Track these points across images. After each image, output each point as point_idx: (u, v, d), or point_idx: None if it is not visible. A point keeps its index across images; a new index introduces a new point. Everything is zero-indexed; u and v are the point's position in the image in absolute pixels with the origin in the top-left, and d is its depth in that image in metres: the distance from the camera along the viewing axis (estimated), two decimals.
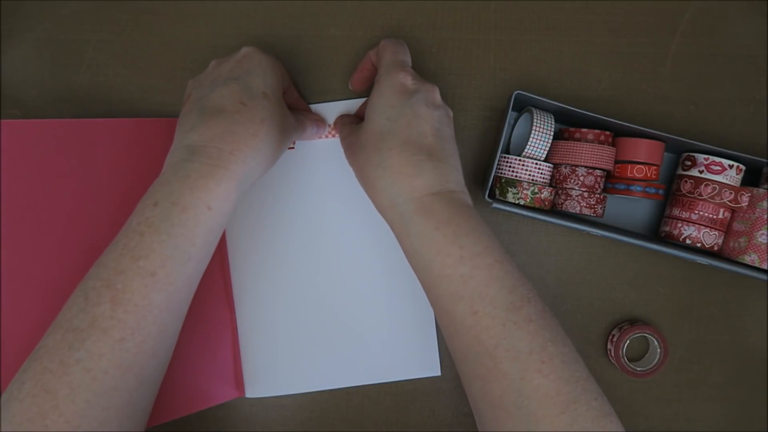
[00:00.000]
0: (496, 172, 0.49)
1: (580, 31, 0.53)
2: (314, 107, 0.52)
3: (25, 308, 0.42)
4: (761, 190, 0.47)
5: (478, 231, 0.38)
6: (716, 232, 0.48)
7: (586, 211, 0.48)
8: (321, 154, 0.51)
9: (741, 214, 0.48)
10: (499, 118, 0.53)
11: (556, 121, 0.49)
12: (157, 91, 0.52)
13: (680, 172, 0.50)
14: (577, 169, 0.48)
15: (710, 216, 0.48)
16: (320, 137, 0.51)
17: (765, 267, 0.47)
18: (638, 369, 0.51)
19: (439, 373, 0.51)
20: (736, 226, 0.49)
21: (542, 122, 0.47)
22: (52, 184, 0.43)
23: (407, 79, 0.41)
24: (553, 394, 0.33)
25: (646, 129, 0.47)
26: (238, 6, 0.52)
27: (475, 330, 0.36)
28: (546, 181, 0.49)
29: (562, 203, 0.49)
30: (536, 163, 0.48)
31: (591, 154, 0.47)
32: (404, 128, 0.39)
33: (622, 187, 0.49)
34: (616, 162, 0.49)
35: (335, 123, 0.51)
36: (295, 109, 0.50)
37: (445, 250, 0.37)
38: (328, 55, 0.52)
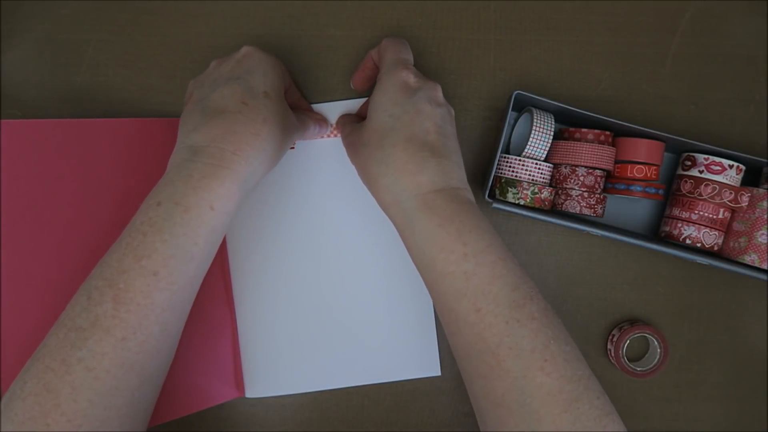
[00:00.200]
0: (496, 172, 0.49)
1: (580, 31, 0.53)
2: (315, 107, 0.52)
3: (25, 308, 0.42)
4: (761, 190, 0.47)
5: (481, 228, 0.38)
6: (716, 232, 0.48)
7: (586, 211, 0.48)
8: (322, 154, 0.51)
9: (741, 214, 0.48)
10: (499, 118, 0.53)
11: (556, 121, 0.49)
12: (157, 91, 0.52)
13: (680, 172, 0.50)
14: (577, 169, 0.48)
15: (710, 216, 0.48)
16: (322, 137, 0.51)
17: (765, 267, 0.47)
18: (638, 369, 0.51)
19: (439, 373, 0.51)
20: (736, 226, 0.49)
21: (542, 122, 0.47)
22: (52, 184, 0.43)
23: (410, 77, 0.41)
24: (556, 392, 0.33)
25: (646, 129, 0.47)
26: (238, 6, 0.52)
27: (478, 327, 0.36)
28: (546, 181, 0.49)
29: (562, 203, 0.49)
30: (536, 163, 0.48)
31: (591, 154, 0.47)
32: (407, 125, 0.40)
33: (622, 187, 0.49)
34: (616, 162, 0.49)
35: (337, 122, 0.51)
36: (296, 108, 0.50)
37: (448, 247, 0.37)
38: (328, 55, 0.52)
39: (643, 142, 0.48)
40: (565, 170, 0.49)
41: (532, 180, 0.48)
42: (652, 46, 0.53)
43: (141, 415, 0.37)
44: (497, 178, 0.49)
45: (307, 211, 0.51)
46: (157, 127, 0.49)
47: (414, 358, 0.51)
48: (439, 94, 0.42)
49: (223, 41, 0.52)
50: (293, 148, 0.51)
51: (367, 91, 0.52)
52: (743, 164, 0.48)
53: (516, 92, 0.47)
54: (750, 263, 0.47)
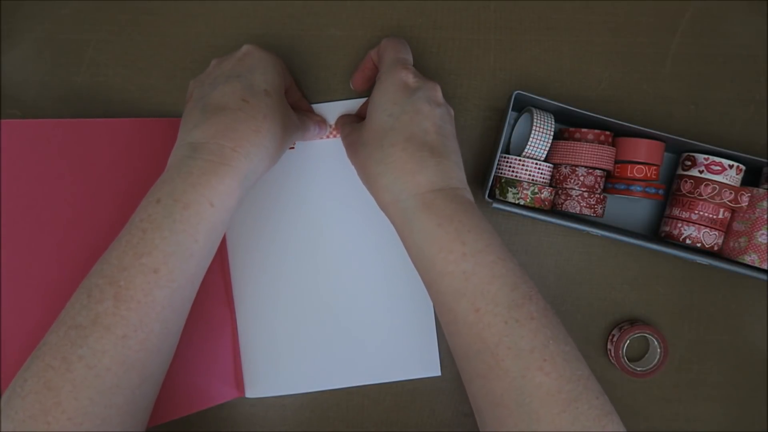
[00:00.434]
0: (496, 172, 0.49)
1: (580, 31, 0.53)
2: (315, 107, 0.52)
3: (25, 308, 0.42)
4: (761, 190, 0.47)
5: (480, 228, 0.38)
6: (716, 232, 0.48)
7: (586, 211, 0.48)
8: (321, 154, 0.51)
9: (741, 214, 0.48)
10: (499, 118, 0.53)
11: (556, 121, 0.49)
12: (157, 91, 0.52)
13: (680, 172, 0.50)
14: (577, 169, 0.48)
15: (710, 216, 0.48)
16: (321, 137, 0.51)
17: (765, 267, 0.47)
18: (638, 369, 0.51)
19: (439, 373, 0.51)
20: (736, 226, 0.49)
21: (542, 122, 0.47)
22: (52, 184, 0.43)
23: (409, 77, 0.41)
24: (555, 392, 0.33)
25: (646, 129, 0.47)
26: (238, 6, 0.52)
27: (477, 327, 0.36)
28: (546, 181, 0.49)
29: (562, 203, 0.49)
30: (536, 163, 0.48)
31: (591, 154, 0.47)
32: (407, 125, 0.40)
33: (622, 187, 0.49)
34: (616, 162, 0.49)
35: (336, 122, 0.51)
36: (297, 108, 0.50)
37: (447, 247, 0.37)
38: (328, 55, 0.52)
39: (643, 142, 0.48)
40: (565, 170, 0.49)
41: (532, 180, 0.48)
42: (652, 46, 0.53)
43: (141, 413, 0.37)
44: (497, 178, 0.49)
45: (307, 211, 0.51)
46: (157, 127, 0.49)
47: (414, 358, 0.51)
48: (439, 94, 0.42)
49: (223, 41, 0.52)
50: (293, 148, 0.51)
51: (367, 91, 0.52)
52: (743, 164, 0.48)
53: (516, 92, 0.47)
54: (750, 263, 0.47)
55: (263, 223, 0.51)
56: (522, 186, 0.48)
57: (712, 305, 0.53)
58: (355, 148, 0.43)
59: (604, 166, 0.48)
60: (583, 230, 0.48)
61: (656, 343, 0.51)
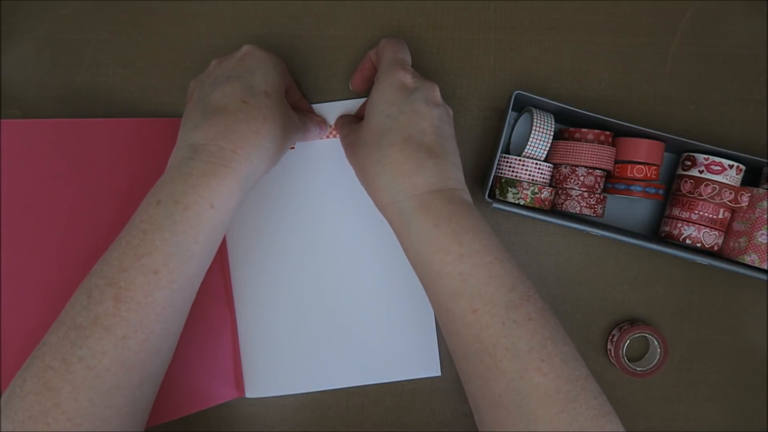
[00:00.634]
0: (496, 172, 0.49)
1: (580, 31, 0.53)
2: (315, 107, 0.52)
3: (25, 308, 0.42)
4: (761, 190, 0.47)
5: (477, 229, 0.38)
6: (716, 232, 0.48)
7: (586, 211, 0.48)
8: (321, 154, 0.51)
9: (741, 214, 0.48)
10: (499, 118, 0.53)
11: (556, 121, 0.49)
12: (157, 91, 0.52)
13: (680, 172, 0.50)
14: (577, 169, 0.48)
15: (710, 216, 0.48)
16: (322, 138, 0.51)
17: (765, 267, 0.47)
18: (638, 369, 0.51)
19: (439, 373, 0.51)
20: (736, 226, 0.48)
21: (542, 122, 0.47)
22: (52, 184, 0.43)
23: (407, 77, 0.41)
24: (553, 392, 0.33)
25: (646, 129, 0.47)
26: (238, 6, 0.52)
27: (474, 328, 0.36)
28: (546, 181, 0.49)
29: (562, 203, 0.49)
30: (536, 163, 0.48)
31: (591, 154, 0.47)
32: (404, 125, 0.39)
33: (622, 187, 0.49)
34: (616, 162, 0.49)
35: (336, 123, 0.51)
36: (297, 109, 0.50)
37: (444, 248, 0.37)
38: (328, 55, 0.52)
39: (643, 142, 0.48)
40: (565, 170, 0.49)
41: (532, 180, 0.48)
42: (652, 46, 0.53)
43: (140, 413, 0.37)
44: (497, 178, 0.49)
45: (307, 211, 0.51)
46: (157, 127, 0.49)
47: (414, 358, 0.51)
48: (437, 94, 0.42)
49: (223, 41, 0.52)
50: (293, 148, 0.51)
51: (366, 91, 0.52)
52: (743, 164, 0.48)
53: (516, 92, 0.47)
54: (750, 263, 0.47)
55: (263, 223, 0.51)
56: (522, 186, 0.48)
57: (712, 305, 0.53)
58: (353, 148, 0.43)
59: (604, 166, 0.48)
60: (583, 230, 0.48)
61: (656, 343, 0.51)
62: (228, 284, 0.51)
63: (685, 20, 0.53)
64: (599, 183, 0.49)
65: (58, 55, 0.51)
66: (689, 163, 0.49)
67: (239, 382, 0.50)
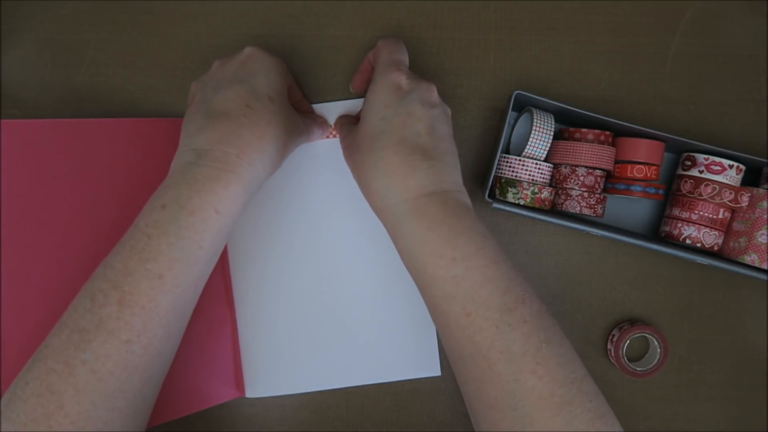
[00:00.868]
0: (496, 172, 0.49)
1: (580, 31, 0.53)
2: (315, 107, 0.52)
3: (25, 308, 0.42)
4: (761, 190, 0.47)
5: (472, 231, 0.37)
6: (716, 232, 0.48)
7: (586, 211, 0.48)
8: (321, 154, 0.51)
9: (741, 214, 0.48)
10: (499, 118, 0.53)
11: (556, 121, 0.49)
12: (157, 91, 0.52)
13: (680, 172, 0.50)
14: (577, 169, 0.48)
15: (710, 216, 0.48)
16: (322, 138, 0.51)
17: (765, 267, 0.47)
18: (638, 369, 0.51)
19: (439, 373, 0.51)
20: (736, 226, 0.48)
21: (542, 122, 0.47)
22: (52, 184, 0.43)
23: (401, 79, 0.41)
24: (547, 395, 0.33)
25: (646, 129, 0.47)
26: (238, 6, 0.52)
27: (468, 331, 0.35)
28: (546, 181, 0.49)
29: (562, 203, 0.49)
30: (536, 163, 0.48)
31: (591, 154, 0.47)
32: (398, 128, 0.39)
33: (622, 187, 0.49)
34: (616, 162, 0.49)
35: (335, 123, 0.51)
36: (298, 110, 0.50)
37: (437, 252, 0.37)
38: (328, 55, 0.52)
39: (643, 142, 0.48)
40: (565, 170, 0.49)
41: (532, 180, 0.48)
42: (652, 46, 0.53)
43: (142, 416, 0.37)
44: (497, 178, 0.49)
45: (306, 211, 0.51)
46: (158, 127, 0.49)
47: (414, 358, 0.51)
48: (433, 94, 0.41)
49: (223, 41, 0.52)
50: None
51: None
52: (743, 164, 0.48)
53: (516, 92, 0.47)
54: (750, 263, 0.47)
55: (263, 223, 0.51)
56: (522, 186, 0.48)
57: (712, 305, 0.53)
58: (350, 151, 0.43)
59: (604, 166, 0.48)
60: (583, 230, 0.48)
61: (656, 343, 0.51)
62: (228, 284, 0.51)
63: (685, 20, 0.53)
64: (599, 183, 0.49)
65: (58, 55, 0.51)
66: (689, 163, 0.49)
67: (239, 382, 0.50)
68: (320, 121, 0.50)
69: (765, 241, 0.47)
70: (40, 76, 0.51)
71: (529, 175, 0.48)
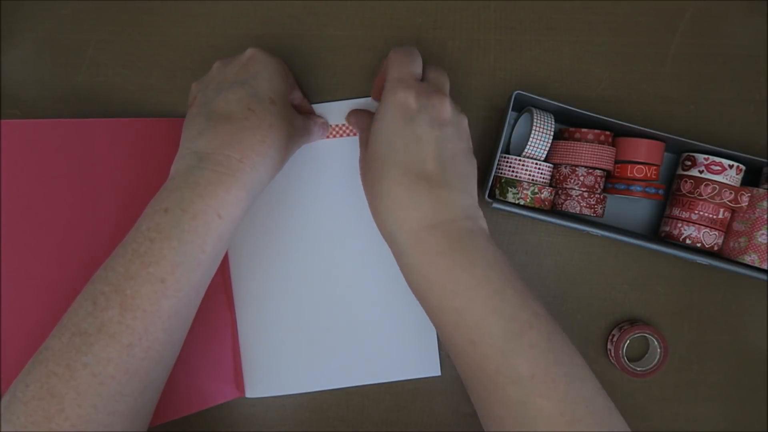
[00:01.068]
0: (496, 172, 0.49)
1: (580, 31, 0.53)
2: (315, 107, 0.52)
3: (25, 309, 0.42)
4: (761, 190, 0.47)
5: (475, 261, 0.36)
6: (716, 232, 0.48)
7: (586, 211, 0.48)
8: (321, 154, 0.51)
9: (741, 214, 0.48)
10: (499, 118, 0.53)
11: (556, 121, 0.49)
12: (157, 91, 0.52)
13: (680, 172, 0.50)
14: (577, 169, 0.48)
15: (710, 216, 0.48)
16: (322, 138, 0.51)
17: (765, 267, 0.47)
18: (638, 369, 0.51)
19: (439, 373, 0.51)
20: (736, 226, 0.48)
21: (542, 122, 0.47)
22: (52, 184, 0.43)
23: (409, 98, 0.39)
24: (557, 414, 0.33)
25: (646, 129, 0.47)
26: (238, 6, 0.52)
27: (475, 357, 0.35)
28: (546, 181, 0.49)
29: (562, 203, 0.49)
30: (536, 163, 0.48)
31: (591, 154, 0.47)
32: (404, 155, 0.38)
33: (622, 187, 0.49)
34: (616, 162, 0.49)
35: (348, 119, 0.50)
36: (299, 110, 0.50)
37: (439, 284, 0.36)
38: (328, 55, 0.52)
39: (643, 142, 0.48)
40: (565, 170, 0.49)
41: (532, 180, 0.48)
42: (652, 46, 0.53)
43: (142, 419, 0.37)
44: (497, 178, 0.49)
45: (307, 211, 0.51)
46: (158, 127, 0.49)
47: (414, 358, 0.51)
48: (444, 110, 0.39)
49: (223, 41, 0.52)
50: None
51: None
52: (743, 164, 0.48)
53: (516, 92, 0.47)
54: (750, 263, 0.47)
55: (263, 223, 0.51)
56: (522, 186, 0.48)
57: (712, 305, 0.53)
58: (361, 169, 0.43)
59: (604, 166, 0.48)
60: (583, 230, 0.48)
61: (656, 343, 0.51)
62: (228, 285, 0.51)
63: (685, 20, 0.53)
64: (599, 183, 0.49)
65: (58, 55, 0.51)
66: (689, 163, 0.49)
67: (239, 382, 0.50)
68: (320, 122, 0.50)
69: (765, 241, 0.47)
70: (40, 76, 0.51)
71: (529, 175, 0.48)
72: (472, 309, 0.35)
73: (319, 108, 0.52)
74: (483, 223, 0.39)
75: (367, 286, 0.51)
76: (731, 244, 0.49)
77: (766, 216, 0.47)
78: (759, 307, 0.53)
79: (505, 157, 0.49)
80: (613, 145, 0.49)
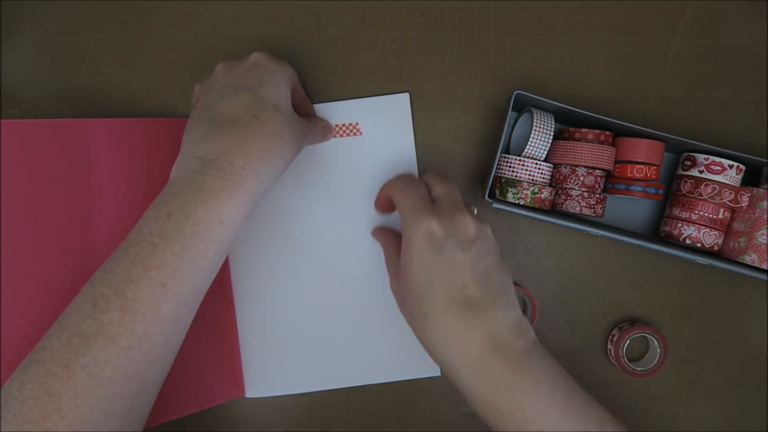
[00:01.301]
0: (496, 172, 0.49)
1: (580, 31, 0.53)
2: (315, 107, 0.52)
3: (24, 308, 0.42)
4: (761, 190, 0.47)
5: (538, 383, 0.37)
6: (716, 232, 0.48)
7: (586, 211, 0.48)
8: (321, 155, 0.51)
9: (741, 214, 0.48)
10: (499, 118, 0.53)
11: (556, 121, 0.49)
12: (157, 91, 0.52)
13: (680, 172, 0.50)
14: (577, 169, 0.48)
15: (710, 216, 0.48)
16: (326, 141, 0.51)
17: (765, 267, 0.47)
18: (638, 369, 0.51)
19: (439, 373, 0.51)
20: (736, 226, 0.48)
21: (542, 122, 0.47)
22: (52, 184, 0.43)
23: (433, 225, 0.39)
24: None
25: (646, 129, 0.47)
26: (238, 6, 0.52)
27: None
28: (546, 181, 0.49)
29: (562, 203, 0.49)
30: (536, 163, 0.48)
31: (591, 154, 0.47)
32: (443, 286, 0.38)
33: (622, 187, 0.49)
34: (616, 162, 0.49)
35: (374, 233, 0.49)
36: (300, 109, 0.49)
37: (507, 414, 0.37)
38: (328, 55, 0.52)
39: (643, 142, 0.48)
40: (565, 170, 0.49)
41: (532, 180, 0.48)
42: (652, 46, 0.53)
43: (138, 421, 0.37)
44: (497, 178, 0.49)
45: (307, 211, 0.51)
46: (158, 127, 0.49)
47: (414, 358, 0.51)
48: (469, 228, 0.39)
49: (223, 41, 0.52)
50: None
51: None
52: (743, 164, 0.48)
53: (516, 92, 0.47)
54: (750, 263, 0.47)
55: (263, 223, 0.51)
56: (522, 186, 0.48)
57: (712, 305, 0.53)
58: (400, 301, 0.42)
59: (604, 166, 0.48)
60: (583, 230, 0.48)
61: (656, 343, 0.51)
62: (228, 285, 0.51)
63: (685, 20, 0.53)
64: (599, 183, 0.49)
65: (58, 55, 0.51)
66: (689, 163, 0.49)
67: (239, 382, 0.50)
68: (322, 125, 0.50)
69: (765, 241, 0.47)
70: (40, 76, 0.51)
71: (529, 175, 0.48)
72: (544, 430, 0.36)
73: (319, 108, 0.52)
74: (532, 333, 0.40)
75: (367, 286, 0.51)
76: (731, 244, 0.49)
77: (766, 216, 0.47)
78: (759, 307, 0.53)
79: (505, 157, 0.49)
80: (613, 145, 0.49)
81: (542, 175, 0.48)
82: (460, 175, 0.52)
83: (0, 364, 0.40)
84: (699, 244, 0.48)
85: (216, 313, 0.50)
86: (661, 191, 0.49)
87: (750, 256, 0.47)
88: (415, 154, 0.52)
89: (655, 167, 0.49)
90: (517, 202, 0.48)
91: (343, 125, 0.51)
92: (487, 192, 0.48)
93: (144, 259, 0.35)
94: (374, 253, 0.51)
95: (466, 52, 0.52)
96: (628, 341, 0.51)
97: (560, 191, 0.49)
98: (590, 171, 0.48)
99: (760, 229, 0.47)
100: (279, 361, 0.50)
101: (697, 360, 0.53)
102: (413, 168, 0.52)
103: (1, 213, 0.41)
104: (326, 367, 0.51)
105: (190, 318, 0.39)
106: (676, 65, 0.53)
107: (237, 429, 0.51)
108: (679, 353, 0.53)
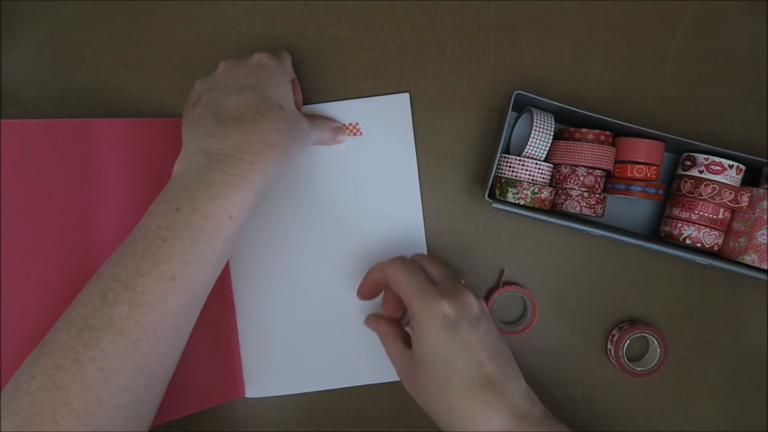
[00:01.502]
0: (496, 172, 0.49)
1: (580, 31, 0.53)
2: (314, 107, 0.52)
3: (24, 308, 0.42)
4: (761, 190, 0.47)
5: None
6: (716, 232, 0.48)
7: (586, 211, 0.48)
8: (322, 154, 0.51)
9: (741, 214, 0.48)
10: (499, 118, 0.53)
11: (556, 121, 0.49)
12: (157, 91, 0.52)
13: (680, 172, 0.50)
14: (577, 169, 0.48)
15: (710, 216, 0.48)
16: (337, 143, 0.51)
17: (765, 267, 0.47)
18: (638, 369, 0.51)
19: None
20: (736, 226, 0.48)
21: (542, 122, 0.47)
22: (52, 184, 0.43)
23: (444, 308, 0.39)
24: None
25: (646, 129, 0.47)
26: (238, 6, 0.52)
27: None
28: (546, 181, 0.49)
29: (562, 203, 0.49)
30: (536, 163, 0.48)
31: (591, 154, 0.47)
32: (462, 368, 0.39)
33: (622, 187, 0.49)
34: (616, 162, 0.49)
35: (368, 323, 0.47)
36: (307, 113, 0.50)
37: None
38: (328, 55, 0.52)
39: (643, 142, 0.48)
40: (565, 170, 0.49)
41: (532, 180, 0.48)
42: (652, 46, 0.53)
43: (146, 414, 0.37)
44: (497, 178, 0.49)
45: (307, 211, 0.51)
46: (158, 127, 0.49)
47: None
48: (474, 308, 0.40)
49: (223, 41, 0.52)
50: None
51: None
52: (743, 164, 0.48)
53: (516, 92, 0.47)
54: (750, 263, 0.47)
55: (264, 222, 0.51)
56: (522, 186, 0.48)
57: (712, 305, 0.53)
58: (412, 387, 0.42)
59: (604, 166, 0.48)
60: (583, 230, 0.48)
61: (656, 343, 0.51)
62: (228, 285, 0.51)
63: (685, 20, 0.53)
64: (599, 183, 0.49)
65: (58, 55, 0.51)
66: (689, 163, 0.49)
67: (239, 382, 0.50)
68: (334, 126, 0.50)
69: (765, 241, 0.47)
70: (40, 76, 0.51)
71: (529, 175, 0.48)
72: None
73: (319, 108, 0.52)
74: (536, 397, 0.41)
75: None
76: (731, 244, 0.49)
77: (766, 216, 0.47)
78: (759, 307, 0.53)
79: (505, 157, 0.49)
80: (613, 145, 0.49)
81: (542, 175, 0.48)
82: (460, 175, 0.52)
83: (0, 364, 0.40)
84: (699, 244, 0.48)
85: (216, 313, 0.50)
86: (661, 191, 0.49)
87: (750, 256, 0.47)
88: (415, 154, 0.52)
89: (655, 167, 0.49)
90: (517, 202, 0.48)
91: (343, 125, 0.51)
92: (487, 192, 0.48)
93: (153, 253, 0.36)
94: (374, 253, 0.51)
95: (466, 52, 0.52)
96: (628, 341, 0.51)
97: (560, 191, 0.49)
98: (590, 171, 0.48)
99: (760, 229, 0.47)
100: (279, 361, 0.50)
101: (697, 360, 0.53)
102: (413, 168, 0.52)
103: (1, 213, 0.41)
104: (326, 367, 0.51)
105: (197, 312, 0.39)
106: (676, 65, 0.53)
107: (237, 429, 0.51)
108: (679, 353, 0.53)
